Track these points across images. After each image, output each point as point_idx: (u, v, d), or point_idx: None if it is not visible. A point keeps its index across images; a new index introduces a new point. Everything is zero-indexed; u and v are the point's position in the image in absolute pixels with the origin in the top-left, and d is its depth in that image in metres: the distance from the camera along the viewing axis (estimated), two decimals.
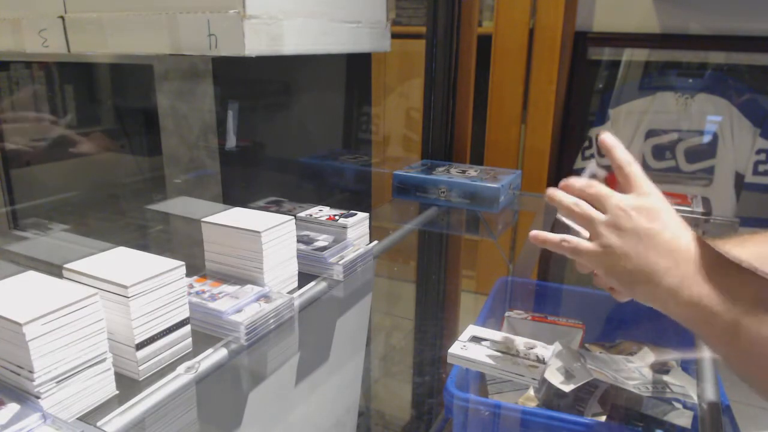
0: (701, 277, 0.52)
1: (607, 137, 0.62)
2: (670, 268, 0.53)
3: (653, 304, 0.56)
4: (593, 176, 0.64)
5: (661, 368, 0.99)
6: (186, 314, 0.62)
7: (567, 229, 0.65)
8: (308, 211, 0.90)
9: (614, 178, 0.63)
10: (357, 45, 0.89)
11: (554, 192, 0.63)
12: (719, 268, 0.52)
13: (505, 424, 0.85)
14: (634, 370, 0.97)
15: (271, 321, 0.67)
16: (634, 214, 0.56)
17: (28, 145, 1.12)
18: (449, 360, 0.75)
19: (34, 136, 1.13)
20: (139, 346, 0.57)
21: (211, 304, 0.66)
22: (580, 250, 0.59)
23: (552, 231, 0.65)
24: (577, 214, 0.60)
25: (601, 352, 1.04)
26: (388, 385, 1.65)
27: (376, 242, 0.90)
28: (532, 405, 0.95)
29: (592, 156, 1.80)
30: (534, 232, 0.64)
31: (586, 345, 1.08)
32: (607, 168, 0.65)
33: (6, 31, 0.81)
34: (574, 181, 0.63)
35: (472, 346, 0.76)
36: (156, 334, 0.58)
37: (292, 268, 0.77)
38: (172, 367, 0.60)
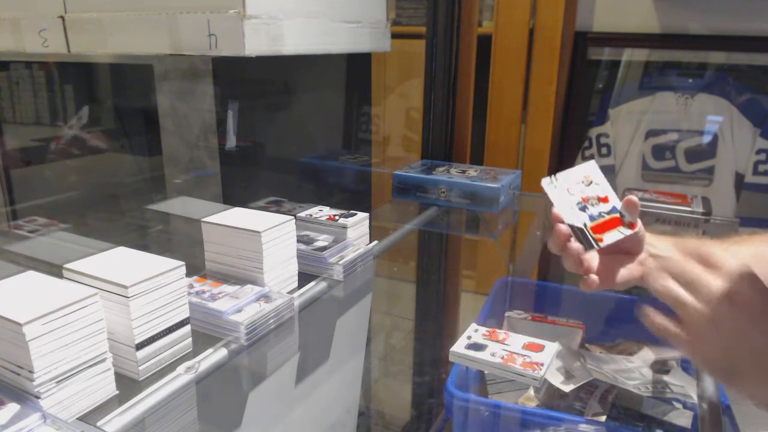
0: None
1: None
2: None
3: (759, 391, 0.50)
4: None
5: (661, 368, 0.99)
6: (186, 314, 0.62)
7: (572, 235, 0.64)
8: (308, 211, 0.90)
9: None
10: (357, 45, 0.89)
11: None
12: None
13: (505, 424, 0.85)
14: (634, 370, 0.97)
15: (271, 321, 0.67)
16: (730, 304, 0.50)
17: (30, 145, 1.12)
18: (451, 358, 0.75)
19: (34, 136, 1.13)
20: (139, 346, 0.57)
21: (211, 304, 0.66)
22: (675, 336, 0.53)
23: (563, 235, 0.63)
24: (685, 280, 0.54)
25: (601, 352, 1.04)
26: (388, 385, 1.65)
27: (376, 242, 0.90)
28: (532, 405, 0.95)
29: (591, 156, 1.80)
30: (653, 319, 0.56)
31: (586, 345, 1.08)
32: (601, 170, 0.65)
33: (6, 31, 0.81)
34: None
35: (474, 344, 0.76)
36: (156, 334, 0.58)
37: (292, 268, 0.77)
38: (172, 367, 0.60)
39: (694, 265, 0.54)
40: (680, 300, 0.52)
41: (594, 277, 0.62)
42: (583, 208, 0.65)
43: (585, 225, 0.64)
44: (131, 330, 0.56)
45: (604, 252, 0.64)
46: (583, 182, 0.67)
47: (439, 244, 1.47)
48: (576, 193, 0.66)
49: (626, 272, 0.63)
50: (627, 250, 0.64)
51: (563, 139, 1.87)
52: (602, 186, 0.67)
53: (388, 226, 1.11)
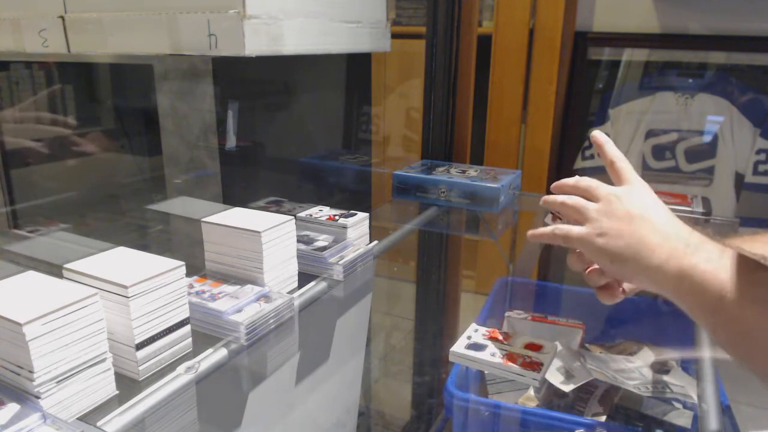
0: (689, 252, 0.54)
1: (598, 134, 0.67)
2: (660, 243, 0.56)
3: (642, 279, 0.58)
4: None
5: (661, 368, 0.99)
6: (186, 314, 0.62)
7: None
8: (308, 211, 0.90)
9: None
10: (357, 45, 0.89)
11: (546, 197, 0.67)
12: (706, 246, 0.54)
13: (505, 424, 0.85)
14: (634, 370, 0.97)
15: (271, 321, 0.67)
16: (624, 199, 0.60)
17: (29, 145, 1.12)
18: (451, 358, 0.75)
19: (35, 136, 1.13)
20: (139, 346, 0.57)
21: (211, 304, 0.66)
22: (571, 235, 0.62)
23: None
24: (569, 207, 0.63)
25: (601, 352, 1.04)
26: (388, 385, 1.65)
27: (376, 242, 0.90)
28: (532, 405, 0.95)
29: (592, 156, 1.80)
30: (530, 232, 0.68)
31: (586, 345, 1.08)
32: (600, 169, 0.67)
33: (6, 31, 0.81)
34: (566, 180, 0.67)
35: (474, 344, 0.76)
36: (156, 334, 0.58)
37: (292, 268, 0.77)
38: (172, 367, 0.60)
39: (593, 181, 0.64)
40: (583, 205, 0.62)
41: (621, 289, 0.65)
42: None
43: None
44: (131, 330, 0.56)
45: None
46: None
47: (439, 244, 1.47)
48: None
49: None
50: None
51: (563, 139, 1.87)
52: None
53: (388, 226, 1.11)
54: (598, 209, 0.60)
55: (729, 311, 0.50)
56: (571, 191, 0.65)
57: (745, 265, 0.50)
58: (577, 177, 0.66)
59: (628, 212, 0.59)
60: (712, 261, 0.52)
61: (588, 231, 0.60)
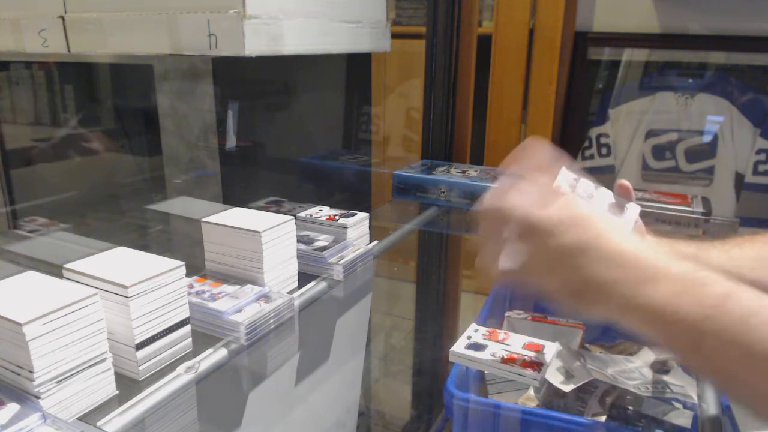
0: (657, 282, 0.47)
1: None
2: (619, 278, 0.47)
3: (606, 315, 0.51)
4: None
5: (661, 368, 0.99)
6: (186, 314, 0.62)
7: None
8: (308, 211, 0.90)
9: None
10: (357, 45, 0.89)
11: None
12: (675, 269, 0.47)
13: (505, 424, 0.85)
14: (634, 370, 0.97)
15: (271, 321, 0.67)
16: (561, 228, 0.48)
17: (30, 145, 1.12)
18: (451, 358, 0.75)
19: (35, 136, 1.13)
20: (139, 346, 0.57)
21: (211, 304, 0.66)
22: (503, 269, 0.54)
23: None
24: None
25: (601, 352, 1.04)
26: (388, 385, 1.65)
27: (376, 242, 0.90)
28: (532, 405, 0.95)
29: (591, 156, 1.80)
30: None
31: (586, 345, 1.08)
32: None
33: (6, 31, 0.81)
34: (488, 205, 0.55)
35: (474, 344, 0.76)
36: (156, 334, 0.58)
37: (292, 268, 0.77)
38: (172, 367, 0.60)
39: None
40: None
41: None
42: None
43: None
44: (131, 330, 0.56)
45: None
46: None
47: (439, 244, 1.47)
48: None
49: None
50: None
51: (563, 139, 1.87)
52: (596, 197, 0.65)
53: (388, 226, 1.11)
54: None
55: (709, 344, 0.44)
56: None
57: (716, 295, 0.45)
58: (492, 201, 0.55)
59: (566, 246, 0.48)
60: (684, 291, 0.45)
61: (519, 269, 0.52)
